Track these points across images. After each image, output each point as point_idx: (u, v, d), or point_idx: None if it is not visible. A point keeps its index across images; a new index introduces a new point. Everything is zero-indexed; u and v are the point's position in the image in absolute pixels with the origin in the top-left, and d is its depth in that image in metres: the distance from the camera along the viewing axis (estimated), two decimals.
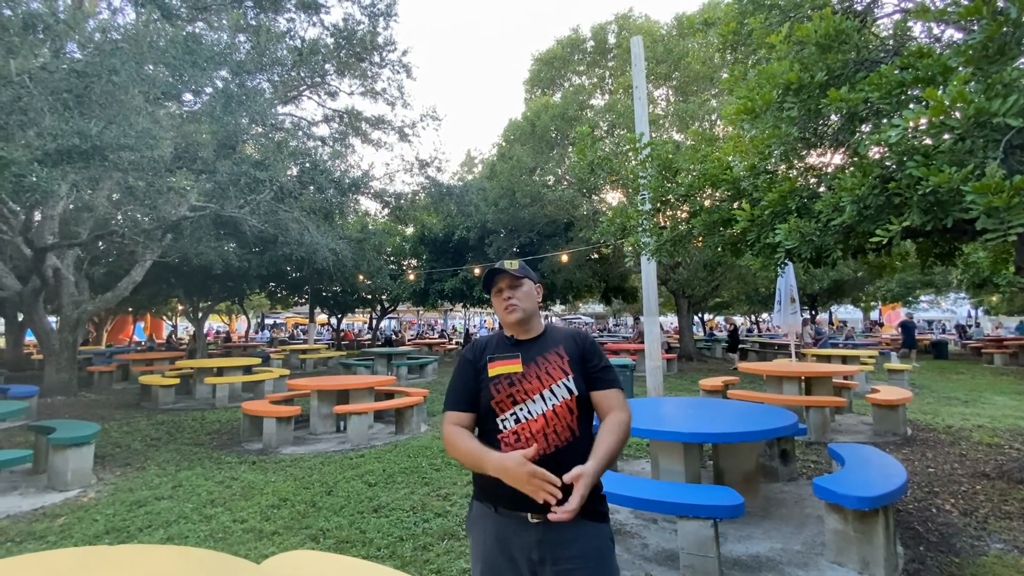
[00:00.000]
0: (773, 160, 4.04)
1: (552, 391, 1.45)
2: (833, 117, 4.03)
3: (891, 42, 4.34)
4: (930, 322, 35.30)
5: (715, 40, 5.56)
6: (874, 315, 32.49)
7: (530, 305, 1.57)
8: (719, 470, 4.00)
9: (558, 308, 39.55)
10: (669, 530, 3.44)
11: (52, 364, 9.17)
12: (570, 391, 1.45)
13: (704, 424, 3.66)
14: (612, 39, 16.26)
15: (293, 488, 4.42)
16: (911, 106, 2.83)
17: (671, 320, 32.29)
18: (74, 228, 9.16)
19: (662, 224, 5.68)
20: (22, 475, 4.87)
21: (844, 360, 10.75)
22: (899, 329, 15.96)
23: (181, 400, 9.35)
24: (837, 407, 6.77)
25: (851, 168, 3.78)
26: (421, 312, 35.32)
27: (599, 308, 41.16)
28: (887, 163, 3.42)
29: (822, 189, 4.28)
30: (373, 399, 7.24)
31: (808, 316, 21.48)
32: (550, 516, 1.24)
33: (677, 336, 19.72)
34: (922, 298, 29.06)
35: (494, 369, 1.50)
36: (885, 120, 3.30)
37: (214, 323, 36.07)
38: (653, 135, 13.95)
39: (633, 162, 5.67)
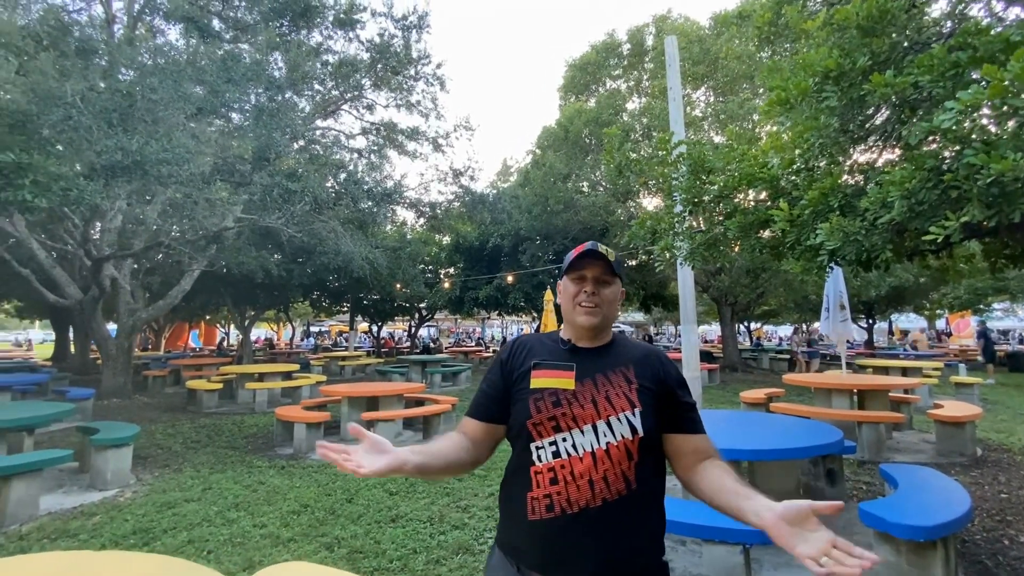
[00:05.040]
0: (813, 155, 3.75)
1: (609, 424, 1.12)
2: (882, 107, 3.73)
3: (948, 24, 3.98)
4: (1005, 332, 32.45)
5: (751, 34, 5.29)
6: (940, 324, 30.20)
7: (612, 313, 1.24)
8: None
9: None
10: (698, 553, 3.20)
11: (109, 368, 9.73)
12: (633, 429, 1.11)
13: (737, 439, 3.40)
14: (650, 41, 15.96)
15: (315, 494, 4.43)
16: (969, 88, 2.54)
17: (716, 329, 31.17)
18: (130, 240, 9.75)
19: (698, 227, 5.44)
20: (69, 474, 5.12)
21: (904, 372, 9.98)
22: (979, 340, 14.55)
23: (224, 404, 9.70)
24: (895, 423, 6.23)
25: (902, 161, 3.46)
26: (459, 320, 35.63)
27: (639, 316, 40.24)
28: (944, 153, 3.10)
29: (870, 186, 3.95)
30: (403, 406, 7.25)
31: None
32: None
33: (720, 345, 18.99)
34: (995, 306, 26.76)
35: (538, 380, 1.19)
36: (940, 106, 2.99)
37: (264, 331, 37.71)
38: (692, 137, 13.55)
39: (667, 163, 5.47)
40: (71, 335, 18.27)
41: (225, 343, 29.61)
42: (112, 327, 10.70)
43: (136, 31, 7.35)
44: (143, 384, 11.76)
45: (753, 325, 33.27)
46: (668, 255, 5.43)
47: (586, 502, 1.08)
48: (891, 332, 27.57)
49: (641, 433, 1.12)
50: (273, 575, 1.93)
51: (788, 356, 16.91)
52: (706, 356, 16.91)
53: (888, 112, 3.45)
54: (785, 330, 39.78)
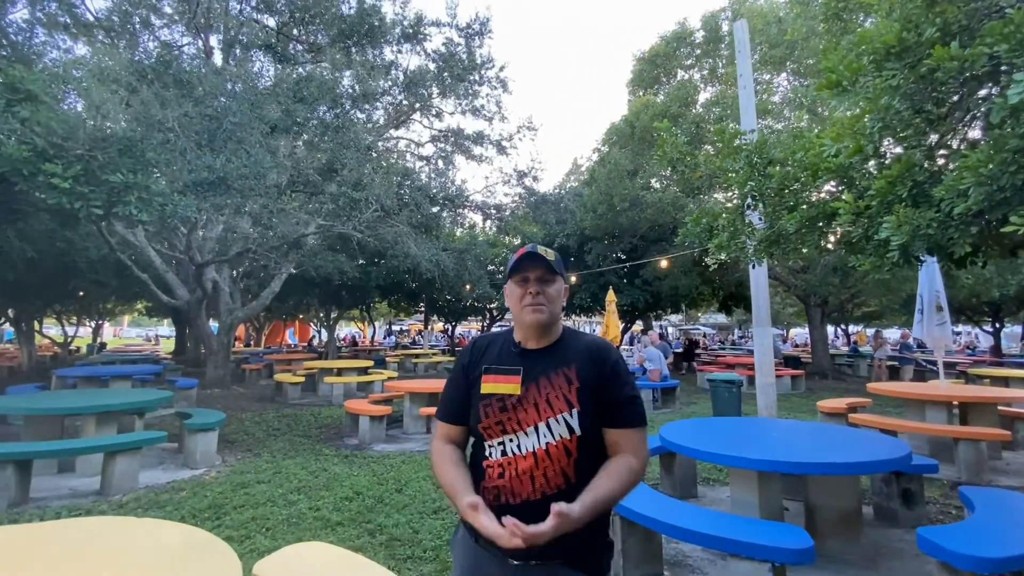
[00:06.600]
0: (874, 140, 3.39)
1: (549, 426, 1.21)
2: (965, 82, 3.28)
3: None
4: None
5: (818, 11, 4.87)
6: None
7: (557, 309, 1.32)
8: (810, 507, 3.43)
9: (674, 318, 37.40)
10: (727, 568, 3.03)
11: (211, 362, 10.95)
12: (570, 429, 1.20)
13: (787, 451, 3.16)
14: (726, 27, 15.14)
15: (368, 483, 4.71)
16: None
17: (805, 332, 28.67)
18: (228, 247, 10.93)
19: (760, 222, 5.10)
20: (170, 453, 5.85)
21: None
22: None
23: (306, 396, 10.55)
24: (1004, 442, 5.42)
25: (986, 143, 3.03)
26: None
27: (721, 318, 38.08)
28: None
29: (951, 167, 3.50)
30: None
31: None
32: (506, 535, 1.05)
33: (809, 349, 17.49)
34: None
35: (487, 385, 1.29)
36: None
37: (353, 329, 40.29)
38: (771, 124, 12.62)
39: (725, 155, 5.19)
40: (188, 332, 20.68)
41: (316, 340, 32.03)
42: (214, 325, 12.02)
43: (229, 61, 8.26)
44: (241, 376, 13.09)
45: (855, 328, 30.27)
46: (723, 254, 5.15)
47: (527, 495, 1.20)
48: None
49: (578, 432, 1.20)
50: (293, 553, 2.12)
51: (891, 364, 15.24)
52: (792, 361, 15.65)
53: (955, 86, 3.04)
54: (892, 334, 35.76)
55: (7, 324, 18.61)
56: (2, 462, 3.97)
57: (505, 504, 1.21)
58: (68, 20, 8.66)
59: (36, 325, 18.54)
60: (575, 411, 1.21)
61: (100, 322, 24.99)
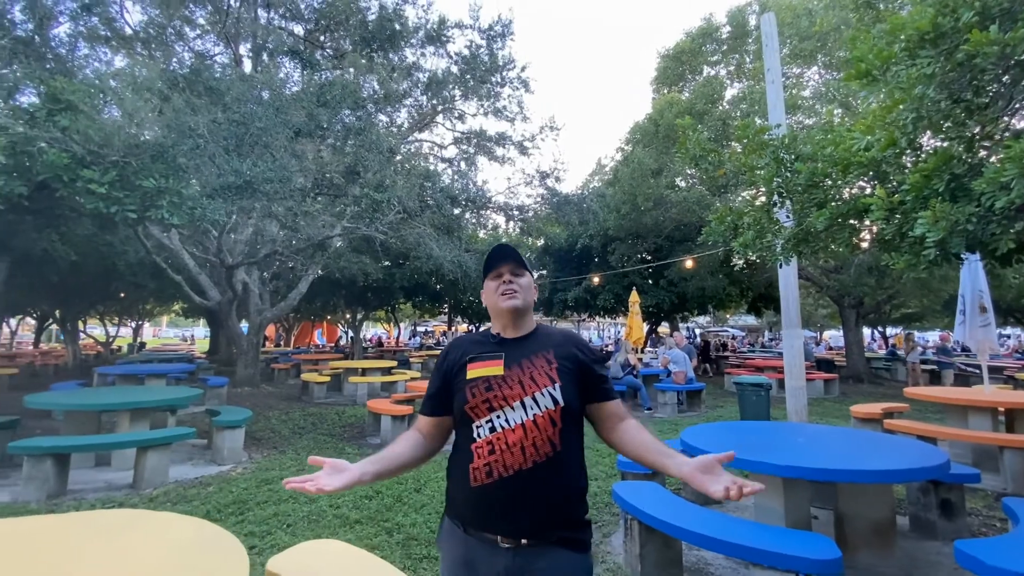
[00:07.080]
0: (907, 132, 3.23)
1: (535, 399, 1.31)
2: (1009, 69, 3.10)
3: None
4: None
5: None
6: None
7: (529, 297, 1.45)
8: (840, 516, 3.29)
9: (702, 320, 36.64)
10: None
11: (242, 361, 11.26)
12: (555, 401, 1.30)
13: (815, 457, 3.03)
14: (753, 21, 14.80)
15: (388, 482, 4.73)
16: None
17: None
18: (257, 249, 11.23)
19: (788, 219, 4.95)
20: (199, 449, 6.02)
21: None
22: None
23: (331, 396, 10.73)
24: None
25: None
26: (554, 322, 35.66)
27: (751, 320, 37.11)
28: None
29: (993, 159, 3.31)
30: None
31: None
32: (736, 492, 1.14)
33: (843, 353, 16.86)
34: None
35: (473, 371, 1.38)
36: None
37: (379, 330, 40.90)
38: (802, 120, 12.24)
39: (750, 151, 5.05)
40: (220, 332, 21.31)
41: (343, 341, 32.60)
42: (245, 325, 12.34)
43: (257, 67, 8.51)
44: (270, 375, 13.41)
45: (893, 330, 29.11)
46: (750, 252, 5.02)
47: (519, 465, 1.26)
48: None
49: (562, 403, 1.31)
50: (307, 550, 2.14)
51: (931, 368, 14.57)
52: (825, 365, 15.12)
53: (1011, 75, 2.86)
54: (932, 336, 34.20)
55: (54, 324, 19.55)
56: (42, 455, 4.15)
57: (499, 478, 1.26)
58: (108, 33, 9.05)
59: (80, 325, 19.42)
60: (557, 385, 1.32)
61: (140, 322, 26.03)
